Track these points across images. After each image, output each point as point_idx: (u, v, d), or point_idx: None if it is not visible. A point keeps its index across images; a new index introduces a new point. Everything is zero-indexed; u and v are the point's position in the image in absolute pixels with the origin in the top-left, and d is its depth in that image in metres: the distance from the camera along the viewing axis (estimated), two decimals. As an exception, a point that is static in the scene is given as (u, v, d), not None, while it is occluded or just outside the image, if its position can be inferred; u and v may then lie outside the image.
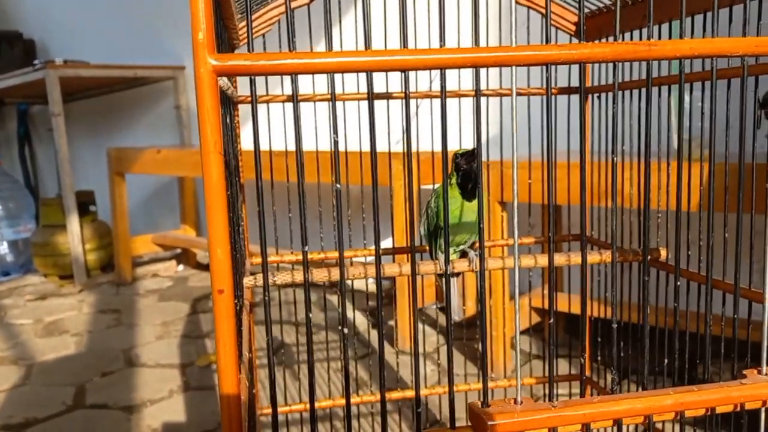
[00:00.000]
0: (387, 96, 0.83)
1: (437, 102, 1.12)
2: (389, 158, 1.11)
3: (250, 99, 0.85)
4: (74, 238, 2.67)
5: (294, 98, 0.40)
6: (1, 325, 2.23)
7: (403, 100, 0.41)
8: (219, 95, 0.37)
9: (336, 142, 0.40)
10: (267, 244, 0.46)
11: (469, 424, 0.44)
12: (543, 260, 0.80)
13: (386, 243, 2.05)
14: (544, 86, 0.94)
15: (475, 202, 0.76)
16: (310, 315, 0.42)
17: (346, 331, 0.41)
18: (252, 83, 0.42)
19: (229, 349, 0.38)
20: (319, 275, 0.68)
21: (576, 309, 1.54)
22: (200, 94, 0.36)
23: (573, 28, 0.94)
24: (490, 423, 0.39)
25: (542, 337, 1.80)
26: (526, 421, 0.40)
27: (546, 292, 1.70)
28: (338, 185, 0.39)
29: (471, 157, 0.74)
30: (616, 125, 0.44)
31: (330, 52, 0.37)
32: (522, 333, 1.79)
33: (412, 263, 0.42)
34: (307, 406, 0.99)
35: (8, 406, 1.54)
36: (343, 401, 1.00)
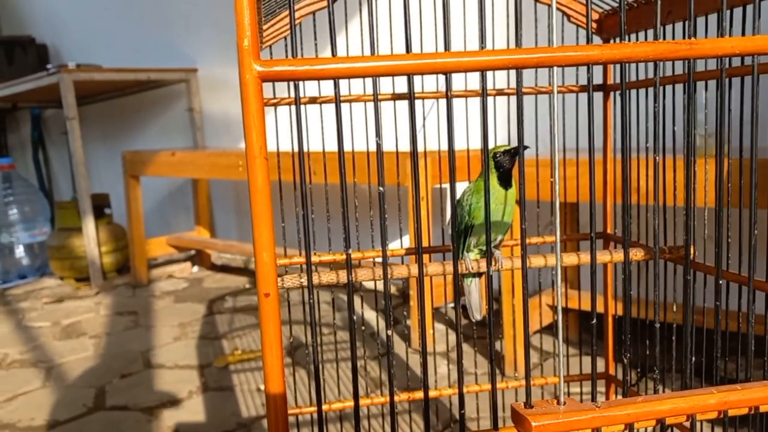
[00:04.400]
0: (410, 96, 0.83)
1: (456, 101, 1.12)
2: (416, 157, 1.11)
3: (271, 102, 0.86)
4: (90, 240, 2.68)
5: (336, 101, 0.40)
6: (19, 328, 2.25)
7: (445, 101, 0.41)
8: (263, 100, 0.37)
9: (379, 145, 0.40)
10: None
11: (511, 424, 0.44)
12: (568, 259, 0.80)
13: (396, 245, 2.04)
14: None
15: (508, 195, 0.77)
16: (354, 317, 0.42)
17: (390, 332, 0.41)
18: (296, 88, 0.43)
19: (275, 350, 0.38)
20: (362, 275, 0.68)
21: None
22: (246, 100, 0.36)
23: (594, 25, 0.94)
24: (535, 424, 0.39)
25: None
26: (570, 421, 0.40)
27: (564, 290, 1.69)
28: (381, 188, 0.39)
29: (514, 155, 0.75)
30: (657, 123, 0.43)
31: (372, 56, 0.37)
32: (538, 331, 1.78)
33: (455, 262, 0.42)
34: (331, 406, 1.00)
35: (30, 408, 1.55)
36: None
